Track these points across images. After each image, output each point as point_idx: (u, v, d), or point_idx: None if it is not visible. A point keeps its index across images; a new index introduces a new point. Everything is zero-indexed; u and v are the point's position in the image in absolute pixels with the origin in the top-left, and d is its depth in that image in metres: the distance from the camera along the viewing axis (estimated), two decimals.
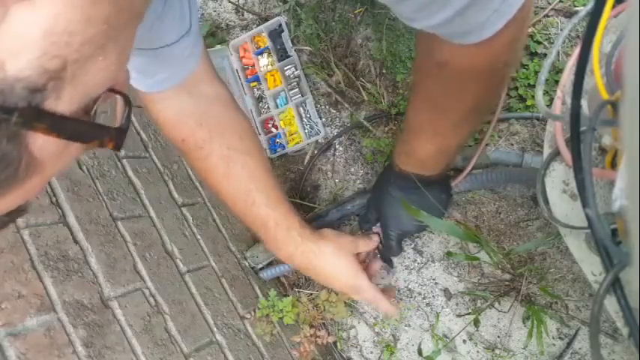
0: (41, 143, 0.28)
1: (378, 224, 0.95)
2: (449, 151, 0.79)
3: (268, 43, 1.16)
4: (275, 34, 1.16)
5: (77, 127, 0.30)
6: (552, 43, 0.99)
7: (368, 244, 0.93)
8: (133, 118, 1.08)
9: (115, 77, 0.32)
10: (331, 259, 0.85)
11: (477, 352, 1.04)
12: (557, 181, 0.48)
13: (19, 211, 0.32)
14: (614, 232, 0.35)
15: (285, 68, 1.16)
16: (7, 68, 0.25)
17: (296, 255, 0.85)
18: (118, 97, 0.35)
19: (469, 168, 0.92)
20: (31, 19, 0.25)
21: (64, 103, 0.28)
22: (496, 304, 1.01)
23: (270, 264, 1.15)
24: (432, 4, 0.47)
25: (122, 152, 0.98)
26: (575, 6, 0.97)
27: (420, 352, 1.05)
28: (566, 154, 0.45)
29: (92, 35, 0.28)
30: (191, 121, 0.77)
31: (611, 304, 0.41)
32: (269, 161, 0.86)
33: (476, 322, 1.01)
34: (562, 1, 0.98)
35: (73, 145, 0.31)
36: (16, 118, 0.25)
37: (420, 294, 1.09)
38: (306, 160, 1.16)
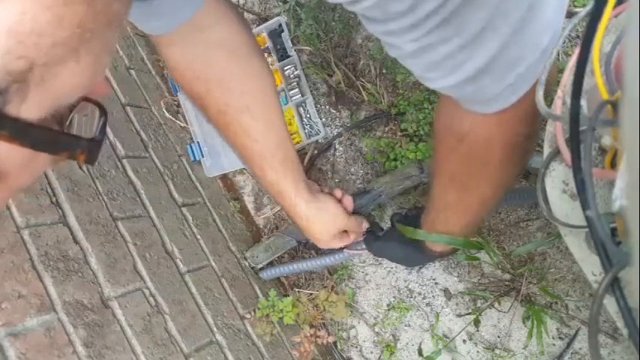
0: (5, 151, 0.26)
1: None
2: (480, 221, 0.80)
3: (268, 43, 1.16)
4: (275, 34, 1.16)
5: (44, 136, 0.28)
6: None
7: (357, 227, 0.96)
8: (133, 118, 1.08)
9: (89, 84, 0.30)
10: (329, 205, 0.91)
11: (477, 352, 1.04)
12: (557, 181, 0.48)
13: None
14: (613, 231, 0.35)
15: (285, 68, 1.16)
16: None
17: (302, 215, 0.88)
18: (94, 107, 0.33)
19: None
20: None
21: (30, 108, 0.26)
22: (496, 304, 1.01)
23: (270, 264, 1.15)
24: (441, 66, 0.45)
25: (122, 152, 0.98)
26: (575, 6, 0.97)
27: (420, 353, 1.05)
28: (566, 153, 0.45)
29: (64, 38, 0.26)
30: (189, 73, 0.74)
31: (611, 304, 0.41)
32: (278, 116, 0.81)
33: (476, 322, 1.01)
34: None
35: (41, 156, 0.28)
36: None
37: (420, 294, 1.09)
38: (306, 160, 1.16)
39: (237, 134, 0.79)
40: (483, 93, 0.49)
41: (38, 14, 0.24)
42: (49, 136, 0.28)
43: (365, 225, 0.97)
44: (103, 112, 0.33)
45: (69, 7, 0.25)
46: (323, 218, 0.90)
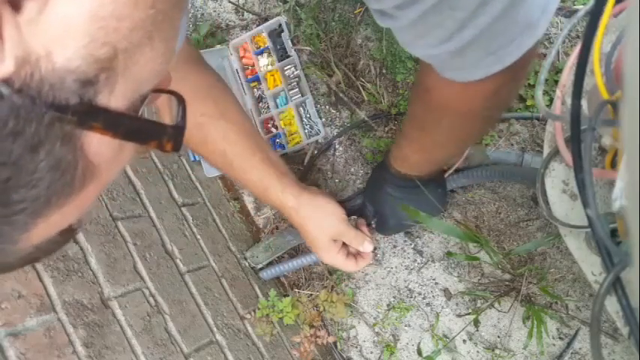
0: (96, 145, 0.25)
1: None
2: (436, 161, 0.86)
3: (268, 43, 1.16)
4: (275, 34, 1.16)
5: (134, 125, 0.27)
6: (552, 42, 0.99)
7: (355, 239, 0.93)
8: None
9: (162, 71, 0.29)
10: (324, 207, 0.91)
11: (477, 352, 1.04)
12: (557, 181, 0.48)
13: (73, 229, 0.29)
14: (614, 232, 0.35)
15: (285, 68, 1.16)
16: (55, 59, 0.22)
17: (293, 211, 0.88)
18: (166, 95, 0.32)
19: (458, 163, 0.96)
20: (75, 2, 0.22)
21: (116, 98, 0.25)
22: (496, 304, 1.01)
23: (270, 264, 1.15)
24: (430, 36, 0.46)
25: None
26: (575, 5, 0.97)
27: (419, 353, 1.05)
28: (566, 153, 0.45)
29: (140, 20, 0.25)
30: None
31: (611, 304, 0.41)
32: (250, 123, 0.87)
33: (476, 322, 1.01)
34: (562, 1, 0.98)
35: (127, 148, 0.28)
36: (70, 117, 0.23)
37: (420, 294, 1.09)
38: (306, 160, 1.16)
39: (215, 143, 0.82)
40: (465, 61, 0.50)
41: None
42: (138, 126, 0.28)
43: (369, 247, 0.93)
44: (181, 98, 0.32)
45: None
46: (317, 215, 0.89)
